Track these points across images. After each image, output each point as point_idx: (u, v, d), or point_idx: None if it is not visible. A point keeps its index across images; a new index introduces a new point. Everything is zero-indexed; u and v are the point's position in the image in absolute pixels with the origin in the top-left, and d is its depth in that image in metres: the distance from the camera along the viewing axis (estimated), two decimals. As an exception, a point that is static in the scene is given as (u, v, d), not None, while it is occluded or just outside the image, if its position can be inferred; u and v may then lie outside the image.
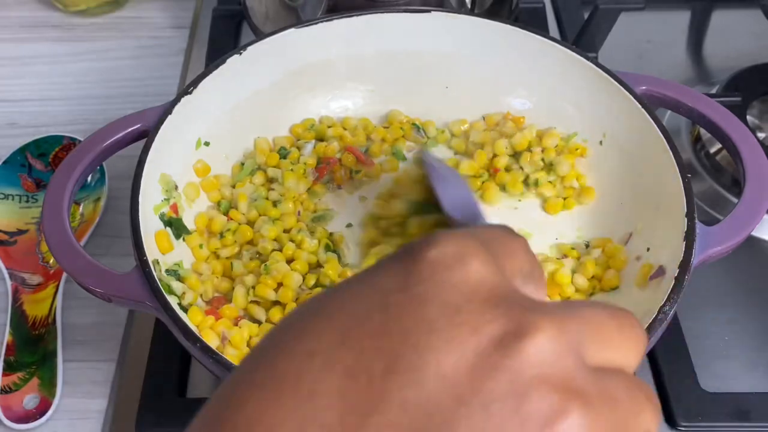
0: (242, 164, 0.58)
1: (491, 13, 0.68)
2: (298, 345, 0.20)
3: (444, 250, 0.21)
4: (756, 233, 0.59)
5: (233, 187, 0.57)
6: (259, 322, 0.50)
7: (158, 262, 0.48)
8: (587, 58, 0.57)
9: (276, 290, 0.51)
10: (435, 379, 0.19)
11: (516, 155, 0.59)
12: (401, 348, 0.19)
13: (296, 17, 0.66)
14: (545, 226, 0.57)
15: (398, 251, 0.22)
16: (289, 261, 0.53)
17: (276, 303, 0.51)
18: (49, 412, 0.50)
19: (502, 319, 0.20)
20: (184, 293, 0.49)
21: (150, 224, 0.49)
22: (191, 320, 0.47)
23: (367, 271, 0.22)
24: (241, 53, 0.56)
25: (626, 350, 0.22)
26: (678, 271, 0.45)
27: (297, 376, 0.19)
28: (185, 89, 0.54)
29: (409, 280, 0.21)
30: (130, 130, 0.52)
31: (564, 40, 0.70)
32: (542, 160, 0.58)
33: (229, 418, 0.20)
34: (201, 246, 0.53)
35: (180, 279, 0.50)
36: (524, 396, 0.19)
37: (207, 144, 0.56)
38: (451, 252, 0.21)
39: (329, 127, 0.60)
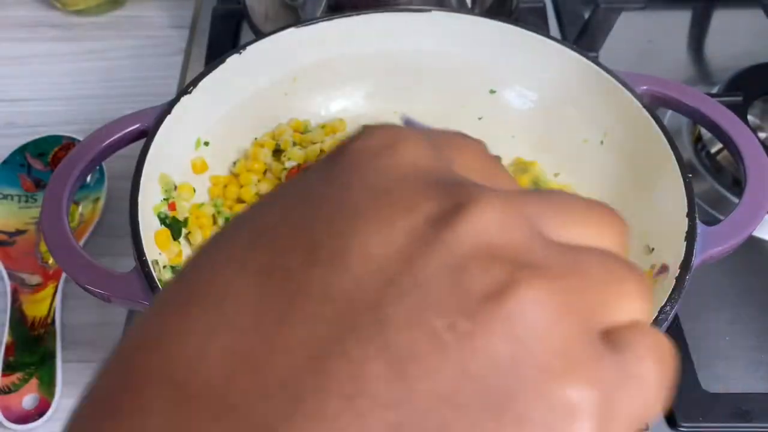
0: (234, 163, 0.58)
1: (492, 13, 0.68)
2: (215, 254, 0.18)
3: (371, 138, 0.18)
4: (757, 233, 0.59)
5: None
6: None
7: (158, 263, 0.48)
8: (588, 58, 0.57)
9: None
10: (359, 263, 0.16)
11: None
12: (321, 237, 0.16)
13: (296, 17, 0.66)
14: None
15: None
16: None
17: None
18: (49, 413, 0.50)
19: (440, 198, 0.17)
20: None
21: (149, 224, 0.49)
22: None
23: (297, 175, 0.19)
24: (240, 53, 0.56)
25: (599, 227, 0.18)
26: (679, 271, 0.45)
27: (208, 284, 0.17)
28: (185, 89, 0.54)
29: (333, 171, 0.18)
30: (129, 130, 0.52)
31: (564, 39, 0.70)
32: None
33: (133, 336, 0.17)
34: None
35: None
36: (462, 269, 0.16)
37: (206, 144, 0.56)
38: (379, 139, 0.18)
39: (322, 127, 0.60)
